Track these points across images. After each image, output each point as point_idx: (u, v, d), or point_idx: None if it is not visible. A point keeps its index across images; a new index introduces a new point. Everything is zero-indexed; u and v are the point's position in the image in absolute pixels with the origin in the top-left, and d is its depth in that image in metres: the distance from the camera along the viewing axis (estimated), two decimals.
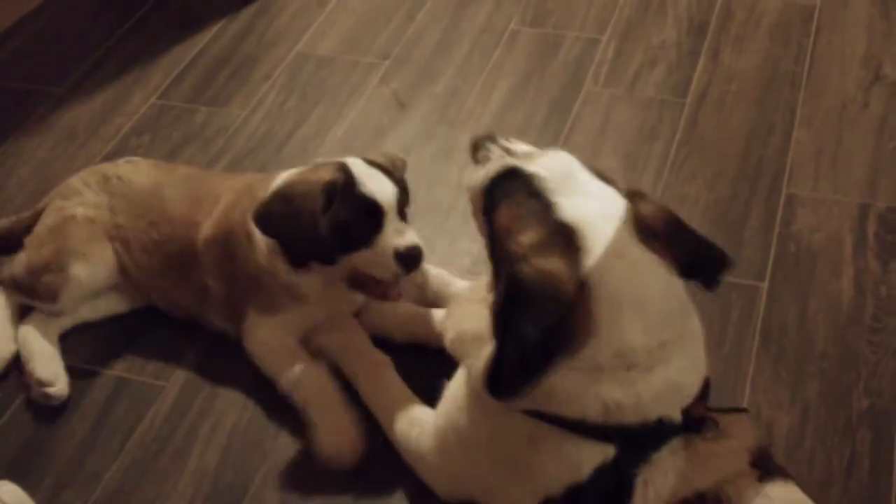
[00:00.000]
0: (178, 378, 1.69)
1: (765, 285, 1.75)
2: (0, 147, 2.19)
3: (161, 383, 1.69)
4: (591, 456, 1.22)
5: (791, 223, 1.86)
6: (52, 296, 1.70)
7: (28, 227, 1.76)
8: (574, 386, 1.19)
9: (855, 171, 1.95)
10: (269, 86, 2.29)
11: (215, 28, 2.48)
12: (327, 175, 1.54)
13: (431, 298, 1.72)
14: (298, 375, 1.57)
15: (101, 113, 2.26)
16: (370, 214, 1.53)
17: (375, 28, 2.43)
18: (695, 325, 1.29)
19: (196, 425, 1.62)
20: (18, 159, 2.16)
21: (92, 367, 1.72)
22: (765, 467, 1.23)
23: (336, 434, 1.51)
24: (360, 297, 1.65)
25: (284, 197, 1.54)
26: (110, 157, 2.11)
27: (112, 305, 1.78)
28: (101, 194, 1.75)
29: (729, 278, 1.75)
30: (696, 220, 1.87)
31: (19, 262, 1.73)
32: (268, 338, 1.62)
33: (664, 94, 2.16)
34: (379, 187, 1.55)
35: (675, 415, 1.22)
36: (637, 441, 1.21)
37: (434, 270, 1.74)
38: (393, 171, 1.60)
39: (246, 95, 2.27)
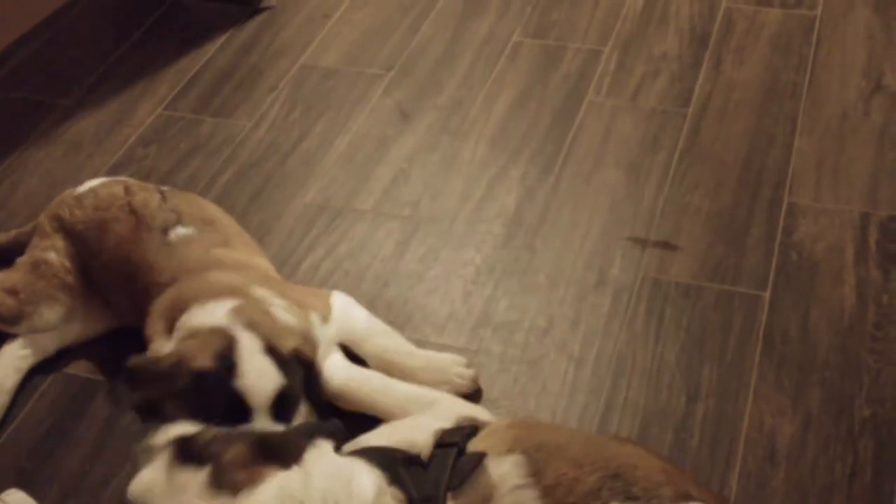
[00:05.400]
0: None
1: (767, 294, 1.76)
2: (7, 158, 2.21)
3: None
4: None
5: (793, 232, 1.87)
6: (13, 320, 1.71)
7: (25, 244, 1.79)
8: None
9: (856, 181, 1.96)
10: (273, 97, 2.31)
11: (221, 40, 2.50)
12: (202, 359, 1.37)
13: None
14: None
15: (107, 124, 2.28)
16: (233, 413, 1.34)
17: (379, 40, 2.45)
18: None
19: None
20: (25, 170, 2.18)
21: (98, 377, 1.73)
22: None
23: None
24: None
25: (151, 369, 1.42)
26: (117, 167, 2.13)
27: (74, 335, 1.78)
28: (61, 239, 1.73)
29: (731, 287, 1.77)
30: (698, 229, 1.89)
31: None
32: None
33: (666, 105, 2.18)
34: (256, 380, 1.35)
35: None
36: None
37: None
38: (289, 359, 1.40)
39: (251, 107, 2.29)
